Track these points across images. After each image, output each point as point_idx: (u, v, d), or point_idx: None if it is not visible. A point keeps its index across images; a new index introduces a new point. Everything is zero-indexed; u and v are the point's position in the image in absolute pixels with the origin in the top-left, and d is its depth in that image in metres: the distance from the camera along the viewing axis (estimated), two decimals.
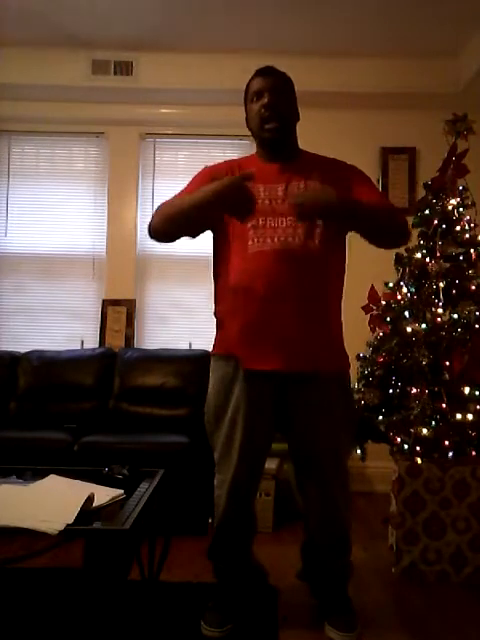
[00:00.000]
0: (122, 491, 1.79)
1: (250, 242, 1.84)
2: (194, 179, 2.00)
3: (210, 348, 2.02)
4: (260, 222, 1.84)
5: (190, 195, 1.85)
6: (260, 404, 1.86)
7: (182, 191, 1.99)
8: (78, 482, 1.86)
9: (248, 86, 1.96)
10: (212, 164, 2.04)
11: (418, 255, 2.74)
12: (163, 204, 1.95)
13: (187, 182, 2.03)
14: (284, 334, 1.81)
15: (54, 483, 1.86)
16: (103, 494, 1.73)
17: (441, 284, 2.63)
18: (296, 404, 1.87)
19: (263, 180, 1.88)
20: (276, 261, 1.81)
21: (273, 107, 1.87)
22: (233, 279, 1.87)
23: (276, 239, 1.82)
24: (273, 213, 1.84)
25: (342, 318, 1.98)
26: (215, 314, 2.00)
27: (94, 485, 1.80)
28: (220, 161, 2.06)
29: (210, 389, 1.97)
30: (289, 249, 1.82)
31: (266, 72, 1.94)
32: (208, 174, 1.96)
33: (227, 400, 1.88)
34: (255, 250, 1.83)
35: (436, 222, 2.74)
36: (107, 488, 1.80)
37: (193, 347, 3.75)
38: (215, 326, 2.00)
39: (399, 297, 2.75)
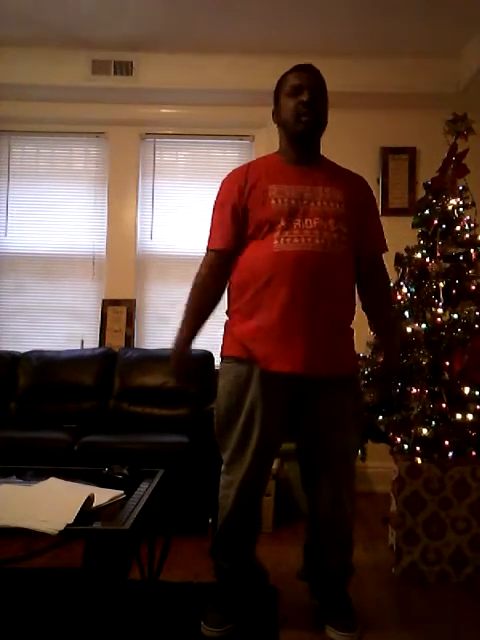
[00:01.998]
0: (122, 491, 1.79)
1: (275, 242, 1.84)
2: (222, 204, 1.96)
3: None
4: (286, 222, 1.84)
5: (184, 318, 1.99)
6: (276, 405, 1.86)
7: (218, 219, 1.96)
8: (78, 484, 1.86)
9: (284, 79, 1.94)
10: (228, 175, 2.00)
11: (418, 255, 2.74)
12: (198, 277, 1.98)
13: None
14: (305, 336, 1.81)
15: (54, 485, 1.86)
16: (103, 495, 1.73)
17: (441, 284, 2.62)
18: (310, 405, 1.88)
19: (288, 180, 1.89)
20: (300, 262, 1.81)
21: (311, 104, 1.86)
22: (254, 277, 1.86)
23: (303, 239, 1.82)
24: (299, 214, 1.84)
25: None
26: (228, 312, 1.98)
27: (94, 487, 1.80)
28: (236, 166, 2.06)
29: (220, 391, 1.95)
30: (314, 251, 1.82)
31: (308, 69, 1.92)
32: (230, 194, 1.93)
33: (241, 401, 1.87)
34: (279, 250, 1.83)
35: (436, 222, 2.74)
36: (107, 489, 1.80)
37: (193, 347, 3.75)
38: (225, 326, 1.98)
39: (399, 297, 2.75)
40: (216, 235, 1.96)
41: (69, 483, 1.87)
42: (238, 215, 1.90)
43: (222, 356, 1.98)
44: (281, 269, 1.81)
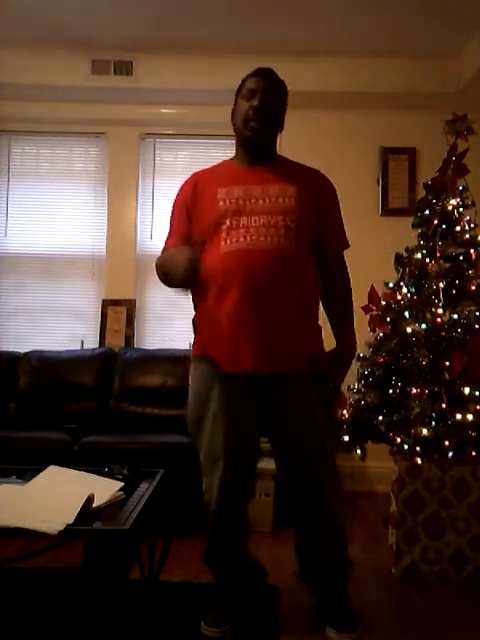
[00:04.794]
0: (122, 491, 1.80)
1: (222, 243, 1.84)
2: (174, 209, 2.03)
3: None
4: (233, 222, 1.84)
5: (165, 257, 1.92)
6: (239, 405, 1.85)
7: (170, 223, 2.03)
8: (77, 473, 1.86)
9: (243, 82, 1.95)
10: (183, 182, 2.04)
11: (418, 255, 2.74)
12: (162, 254, 2.00)
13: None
14: (257, 335, 1.80)
15: (54, 477, 1.86)
16: (103, 490, 1.73)
17: (441, 284, 2.63)
18: (275, 404, 1.87)
19: (237, 181, 1.90)
20: (249, 259, 1.80)
21: (261, 110, 1.87)
22: (208, 281, 1.85)
23: (248, 238, 1.82)
24: (246, 213, 1.84)
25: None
26: (194, 316, 1.99)
27: (94, 476, 1.81)
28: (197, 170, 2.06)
29: (190, 392, 1.97)
30: (260, 248, 1.81)
31: (264, 74, 1.92)
32: (181, 200, 1.99)
33: (207, 402, 1.87)
34: (227, 250, 1.83)
35: (436, 222, 2.74)
36: (107, 480, 1.81)
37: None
38: (193, 327, 2.00)
39: (399, 297, 2.75)
40: (168, 236, 2.03)
41: (69, 472, 1.88)
42: (188, 220, 1.95)
43: (191, 356, 1.99)
44: (229, 270, 1.81)
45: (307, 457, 1.88)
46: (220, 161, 2.06)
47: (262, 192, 1.87)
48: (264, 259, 1.80)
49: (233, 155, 2.02)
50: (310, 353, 1.89)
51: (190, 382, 1.97)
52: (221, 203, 1.87)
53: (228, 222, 1.84)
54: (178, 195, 2.03)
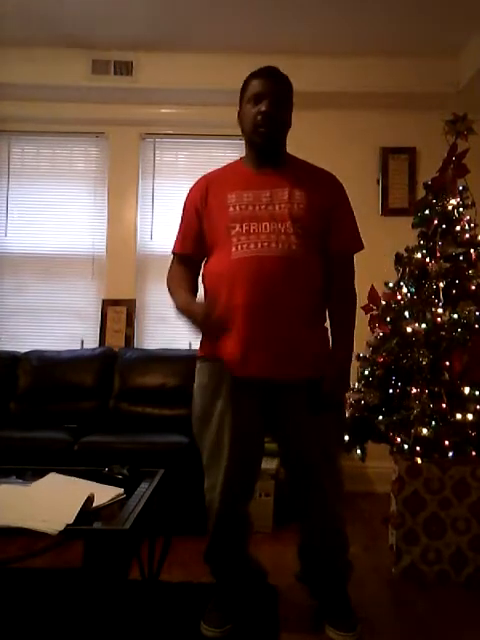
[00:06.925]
0: (122, 491, 1.79)
1: (233, 248, 1.84)
2: (184, 211, 2.02)
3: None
4: (243, 228, 1.84)
5: (177, 297, 1.98)
6: (247, 407, 1.86)
7: (180, 225, 2.03)
8: (78, 480, 1.86)
9: (247, 84, 1.91)
10: (194, 183, 2.03)
11: (418, 255, 2.74)
12: (169, 278, 2.10)
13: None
14: (265, 341, 1.80)
15: (54, 482, 1.86)
16: (103, 494, 1.73)
17: (441, 284, 2.63)
18: (284, 407, 1.87)
19: (248, 186, 1.89)
20: (259, 267, 1.80)
21: (270, 116, 1.84)
22: (217, 285, 1.86)
23: (259, 245, 1.82)
24: (256, 219, 1.84)
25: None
26: None
27: (94, 484, 1.81)
28: (209, 170, 2.05)
29: (196, 390, 1.96)
30: (272, 255, 1.81)
31: (270, 74, 1.89)
32: (192, 202, 1.98)
33: (213, 403, 1.87)
34: (238, 256, 1.83)
35: (436, 222, 2.74)
36: (107, 487, 1.80)
37: (193, 347, 3.75)
38: None
39: (399, 297, 2.75)
40: (177, 239, 2.05)
41: (69, 479, 1.87)
42: (198, 223, 1.95)
43: (197, 356, 1.99)
44: (239, 277, 1.81)
45: (310, 459, 1.88)
46: (230, 161, 2.05)
47: (271, 197, 1.86)
48: (274, 267, 1.80)
49: (243, 154, 2.00)
50: (317, 359, 1.87)
51: (196, 382, 1.97)
52: (231, 209, 1.86)
53: (238, 228, 1.84)
54: (188, 197, 2.02)
